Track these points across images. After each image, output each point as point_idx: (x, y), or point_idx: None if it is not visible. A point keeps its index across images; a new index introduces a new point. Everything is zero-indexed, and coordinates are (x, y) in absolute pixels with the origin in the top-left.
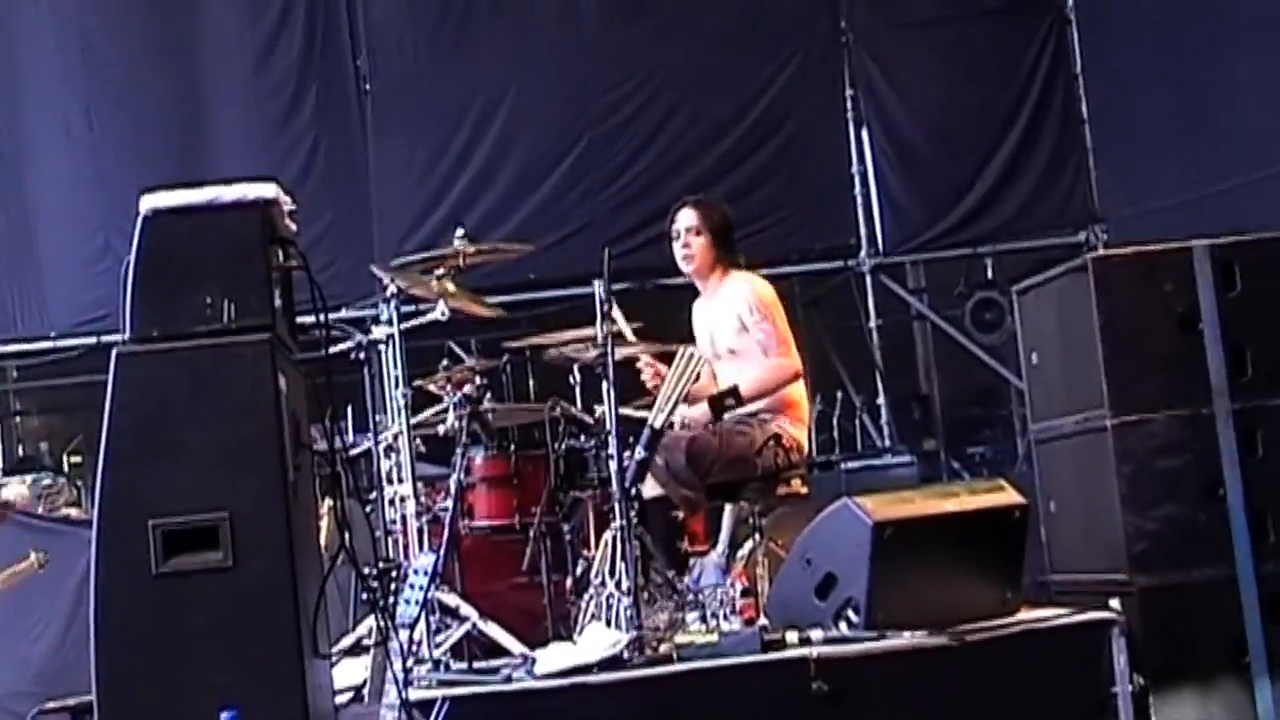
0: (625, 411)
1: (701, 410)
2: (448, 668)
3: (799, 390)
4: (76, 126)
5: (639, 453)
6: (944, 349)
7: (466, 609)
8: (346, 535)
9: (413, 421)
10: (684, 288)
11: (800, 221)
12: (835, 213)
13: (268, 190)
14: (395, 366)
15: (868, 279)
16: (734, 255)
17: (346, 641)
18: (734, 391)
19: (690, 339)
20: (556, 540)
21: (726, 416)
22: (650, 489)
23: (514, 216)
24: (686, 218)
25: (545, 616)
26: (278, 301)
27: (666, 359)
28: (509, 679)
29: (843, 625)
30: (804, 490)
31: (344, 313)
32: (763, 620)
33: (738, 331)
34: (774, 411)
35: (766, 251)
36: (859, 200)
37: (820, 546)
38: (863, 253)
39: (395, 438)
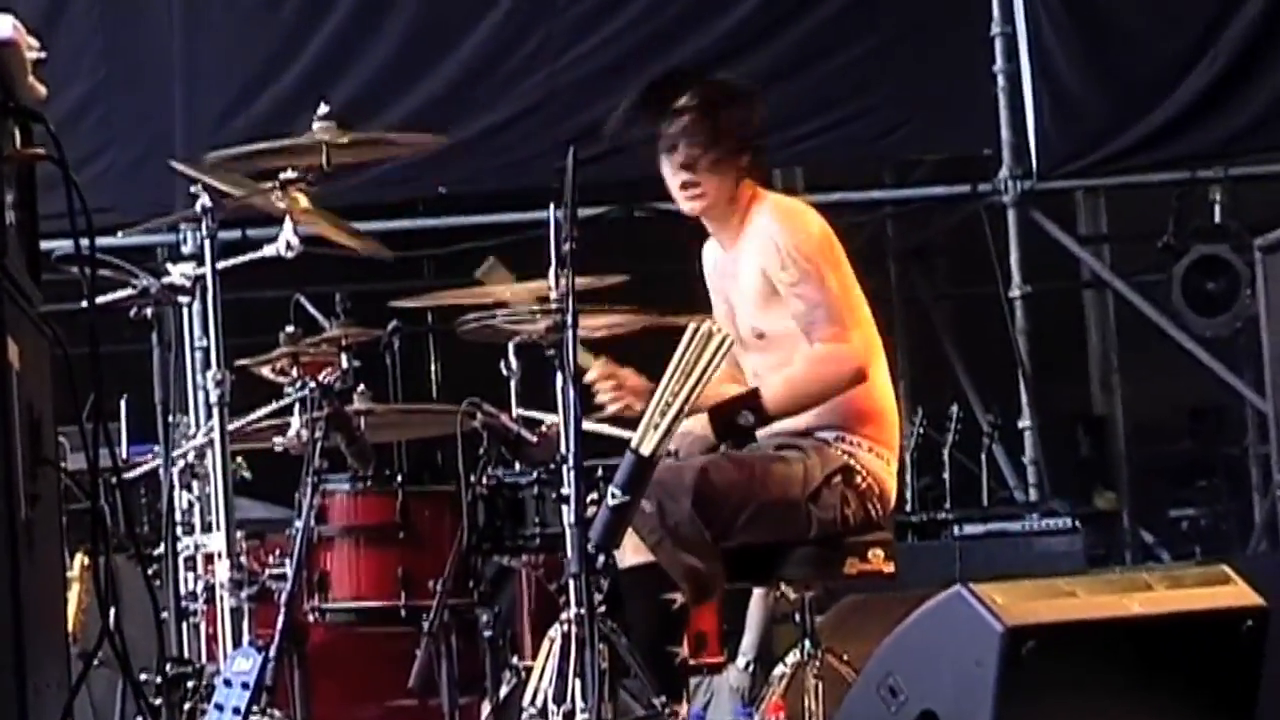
0: (594, 426)
1: (698, 426)
2: None
3: (884, 396)
4: None
5: (613, 495)
6: (1136, 339)
7: None
8: (112, 614)
9: (233, 427)
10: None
11: (895, 117)
12: (957, 105)
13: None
14: (206, 334)
15: (1010, 217)
16: (760, 170)
17: None
18: (752, 398)
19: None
20: (468, 638)
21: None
22: (631, 553)
23: (411, 92)
24: (679, 120)
25: None
26: (10, 215)
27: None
28: None
29: None
30: (888, 568)
31: (122, 238)
32: None
33: (763, 299)
34: (842, 428)
35: (830, 166)
36: (1000, 85)
37: (914, 664)
38: (1003, 172)
39: (201, 455)
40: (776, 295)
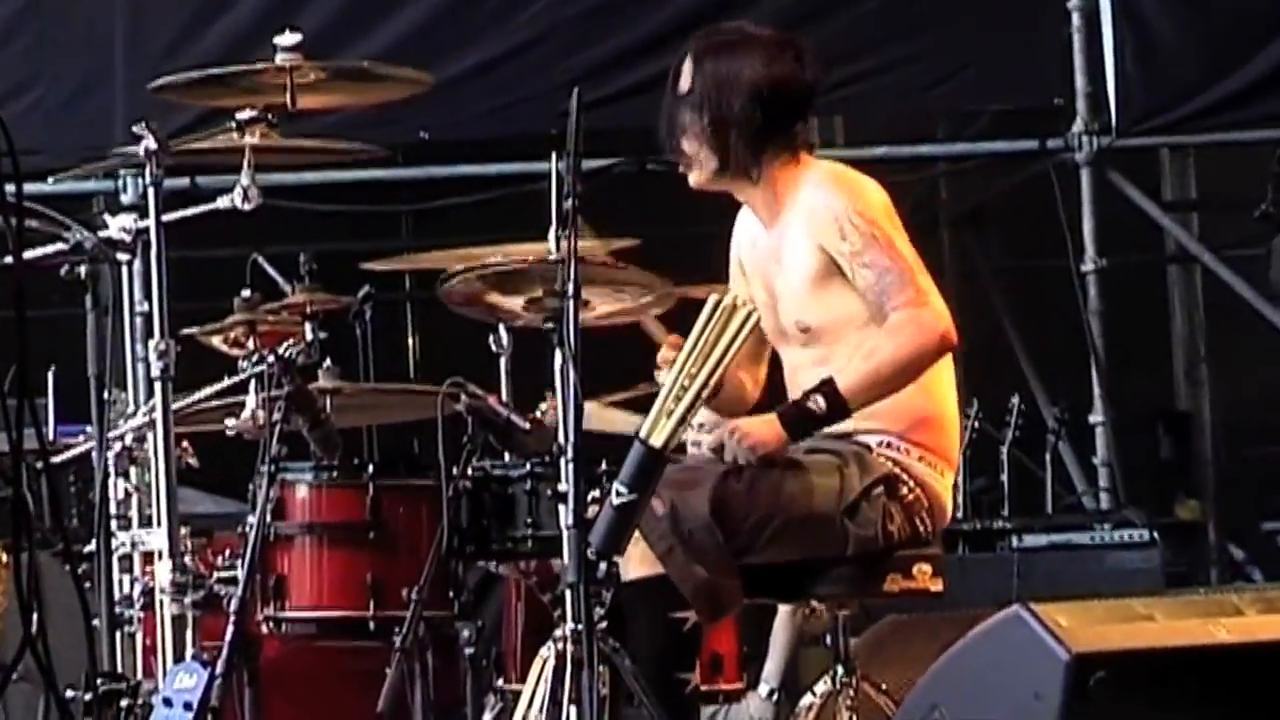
0: (598, 409)
1: (766, 427)
2: None
3: (943, 400)
4: None
5: (618, 492)
6: (1227, 323)
7: None
8: (35, 620)
9: (178, 406)
10: None
11: (950, 61)
12: (1023, 47)
13: None
14: (148, 297)
15: (1084, 179)
16: (790, 141)
17: None
18: (826, 387)
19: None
20: (446, 656)
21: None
22: (637, 563)
23: (390, 20)
24: (683, 83)
25: None
26: None
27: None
28: None
29: None
30: (935, 585)
31: (53, 184)
32: None
33: (817, 282)
34: (889, 432)
35: (874, 118)
36: (1075, 25)
37: (963, 696)
38: (1076, 126)
39: (141, 437)
40: (832, 278)
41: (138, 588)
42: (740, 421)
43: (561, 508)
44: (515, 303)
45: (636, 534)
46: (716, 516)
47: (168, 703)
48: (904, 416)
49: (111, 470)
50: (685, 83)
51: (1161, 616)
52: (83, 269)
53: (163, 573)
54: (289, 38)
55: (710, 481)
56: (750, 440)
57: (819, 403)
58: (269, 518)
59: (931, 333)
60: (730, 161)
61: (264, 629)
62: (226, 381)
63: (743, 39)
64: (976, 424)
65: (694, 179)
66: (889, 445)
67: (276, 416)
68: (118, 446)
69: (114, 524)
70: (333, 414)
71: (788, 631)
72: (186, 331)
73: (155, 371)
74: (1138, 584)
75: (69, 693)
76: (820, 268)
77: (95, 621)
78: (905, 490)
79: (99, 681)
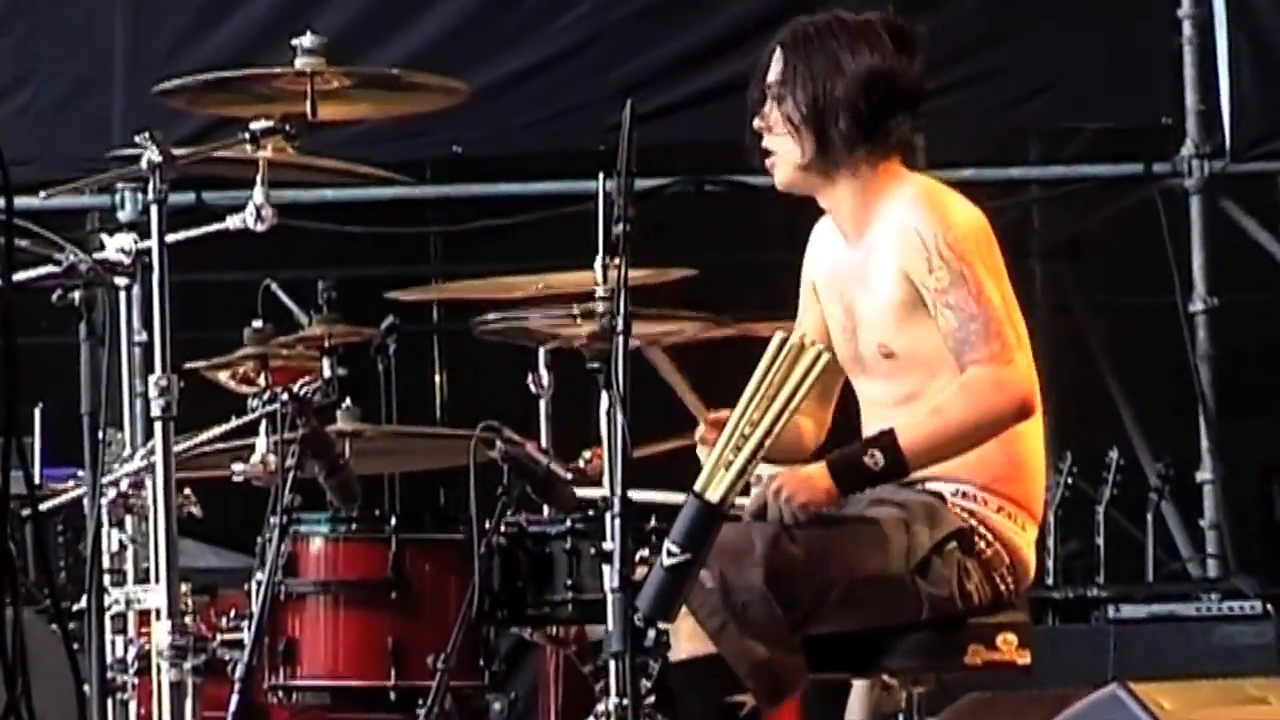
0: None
1: (814, 481)
2: None
3: (1028, 445)
4: None
5: (670, 552)
6: None
7: None
8: (18, 685)
9: (180, 448)
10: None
11: (1044, 74)
12: (1126, 59)
13: None
14: (149, 326)
15: (1194, 207)
16: (887, 138)
17: None
18: (885, 440)
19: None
20: None
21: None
22: (686, 641)
23: (420, 22)
24: (773, 72)
25: None
26: None
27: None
28: None
29: None
30: (1022, 658)
31: (44, 199)
32: None
33: (903, 311)
34: (966, 480)
35: (959, 137)
36: (1185, 35)
37: None
38: (1186, 148)
39: (138, 483)
40: (921, 307)
41: (132, 651)
42: (783, 477)
43: (605, 568)
44: (559, 330)
45: (685, 609)
46: (772, 586)
47: None
48: (982, 464)
49: (105, 519)
50: (775, 72)
51: (1276, 700)
52: (76, 294)
53: (160, 634)
54: (310, 39)
55: (762, 547)
56: (798, 499)
57: (876, 458)
58: (279, 574)
59: (1010, 398)
60: (821, 153)
61: (272, 699)
62: (234, 422)
63: (840, 23)
64: (1070, 480)
65: (779, 176)
66: (965, 495)
67: (290, 462)
68: (112, 493)
69: (107, 579)
70: (352, 460)
71: (864, 711)
72: (190, 365)
73: (155, 410)
74: (1249, 661)
75: None
76: (906, 297)
77: (85, 687)
78: (982, 545)
79: None
